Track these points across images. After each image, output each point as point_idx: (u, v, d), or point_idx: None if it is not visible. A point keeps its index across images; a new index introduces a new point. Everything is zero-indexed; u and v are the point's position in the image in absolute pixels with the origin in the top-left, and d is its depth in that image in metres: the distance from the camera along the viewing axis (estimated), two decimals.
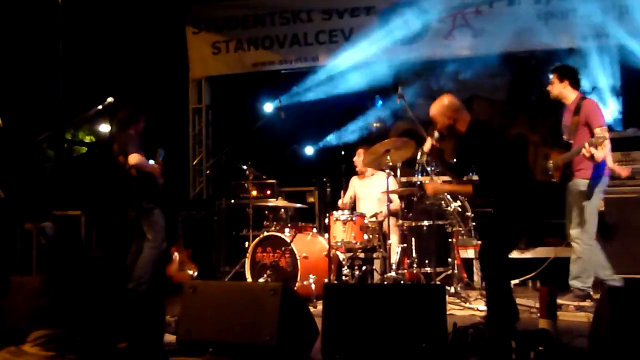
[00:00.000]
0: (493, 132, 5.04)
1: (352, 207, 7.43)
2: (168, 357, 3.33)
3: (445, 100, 5.02)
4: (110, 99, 5.82)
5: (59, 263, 1.78)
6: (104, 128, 11.74)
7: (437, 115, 5.00)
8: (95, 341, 1.74)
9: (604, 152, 5.49)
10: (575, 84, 5.89)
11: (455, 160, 5.52)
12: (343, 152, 7.91)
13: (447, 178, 6.43)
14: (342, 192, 7.68)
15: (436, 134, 5.10)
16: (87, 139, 12.13)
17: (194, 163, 9.60)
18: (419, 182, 6.83)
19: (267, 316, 3.91)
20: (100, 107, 5.83)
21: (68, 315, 1.72)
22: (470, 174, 5.54)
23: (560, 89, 5.90)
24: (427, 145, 5.19)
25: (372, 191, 7.44)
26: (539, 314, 4.84)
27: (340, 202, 7.50)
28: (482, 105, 9.69)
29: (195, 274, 7.48)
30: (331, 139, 9.37)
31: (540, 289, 4.55)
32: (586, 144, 5.36)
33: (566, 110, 5.93)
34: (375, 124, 9.47)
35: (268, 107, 8.97)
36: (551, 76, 5.96)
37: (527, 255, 7.16)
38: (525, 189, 4.76)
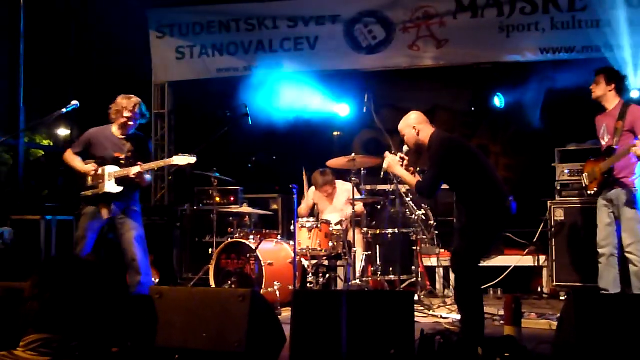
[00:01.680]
0: (454, 142, 5.12)
1: (314, 214, 7.45)
2: None
3: (412, 115, 5.16)
4: (74, 102, 5.70)
5: (50, 266, 1.74)
6: (63, 132, 11.54)
7: (404, 128, 5.12)
8: (91, 345, 1.70)
9: None
10: (620, 90, 5.84)
11: (421, 171, 5.61)
12: (306, 161, 7.94)
13: None
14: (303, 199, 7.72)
15: (405, 147, 5.19)
16: (45, 142, 11.92)
17: (156, 169, 9.48)
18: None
19: (236, 323, 3.87)
20: (64, 110, 5.70)
21: (62, 320, 1.68)
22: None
23: (606, 91, 5.80)
24: (397, 158, 5.26)
25: (335, 205, 7.47)
26: (502, 321, 4.92)
27: (299, 210, 7.52)
28: (444, 115, 9.80)
29: (157, 280, 7.39)
30: (295, 146, 9.36)
31: (505, 297, 4.62)
32: (637, 143, 5.30)
33: (607, 114, 5.83)
34: (336, 133, 9.52)
35: (224, 114, 8.92)
36: (598, 77, 5.85)
37: (489, 263, 7.25)
38: (492, 196, 4.82)
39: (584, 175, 6.05)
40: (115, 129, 5.89)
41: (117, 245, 5.81)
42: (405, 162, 5.21)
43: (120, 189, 5.72)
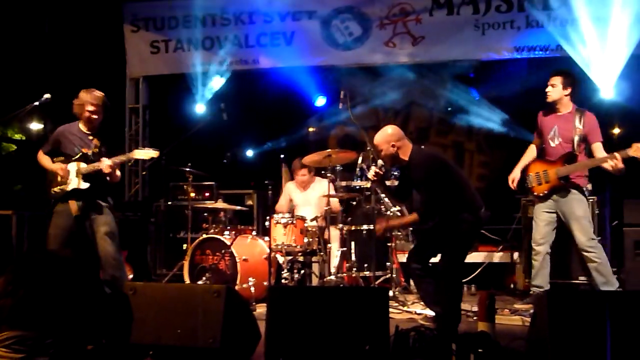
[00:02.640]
0: (438, 160, 5.17)
1: (291, 211, 7.44)
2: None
3: (389, 129, 5.20)
4: (47, 96, 5.63)
5: (23, 262, 1.71)
6: (35, 126, 11.39)
7: (381, 143, 5.15)
8: (66, 343, 1.67)
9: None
10: (574, 95, 5.84)
11: (396, 184, 5.71)
12: (282, 156, 7.93)
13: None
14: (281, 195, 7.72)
15: (380, 161, 5.23)
16: (17, 136, 11.73)
17: (130, 164, 9.40)
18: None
19: (210, 319, 3.86)
20: (37, 103, 5.62)
21: (36, 317, 1.65)
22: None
23: (561, 95, 5.79)
24: (371, 173, 5.31)
25: (309, 197, 7.47)
26: (476, 317, 4.95)
27: (277, 206, 7.53)
28: (420, 112, 9.86)
29: (131, 276, 7.32)
30: (271, 141, 9.35)
31: (479, 293, 4.65)
32: (618, 155, 5.38)
33: (559, 117, 5.84)
34: (311, 129, 9.52)
35: (200, 109, 8.89)
36: (554, 79, 5.82)
37: None
38: (466, 208, 4.94)
39: (530, 175, 5.96)
40: (81, 125, 5.83)
41: (91, 242, 5.74)
42: (379, 176, 5.26)
43: (87, 185, 5.67)
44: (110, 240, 5.68)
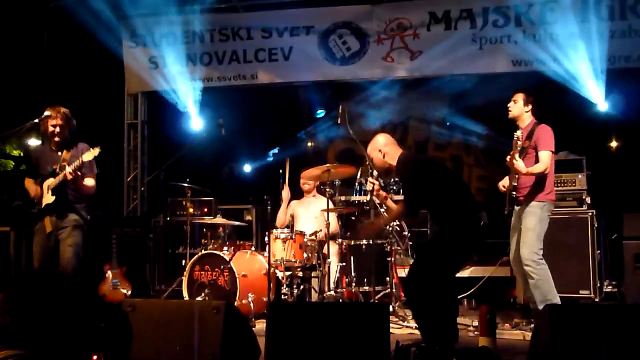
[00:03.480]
0: (420, 160, 5.17)
1: (290, 226, 7.43)
2: None
3: (378, 137, 5.25)
4: (47, 113, 5.65)
5: (21, 280, 1.70)
6: (34, 142, 11.39)
7: (371, 151, 5.23)
8: None
9: (537, 168, 5.55)
10: (535, 110, 5.85)
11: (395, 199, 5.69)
12: (281, 171, 7.92)
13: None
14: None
15: (375, 172, 5.23)
16: (15, 152, 11.73)
17: (129, 179, 9.40)
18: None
19: (210, 335, 3.85)
20: (36, 120, 5.64)
21: (34, 335, 1.64)
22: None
23: (522, 111, 5.82)
24: (369, 184, 5.31)
25: (310, 211, 7.46)
26: (477, 332, 4.93)
27: (277, 219, 7.51)
28: (418, 126, 9.87)
29: (129, 292, 7.30)
30: (270, 157, 9.35)
31: (480, 308, 4.63)
32: (516, 156, 5.42)
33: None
34: (310, 143, 9.53)
35: (197, 125, 8.90)
36: (516, 95, 5.86)
37: (462, 274, 7.27)
38: (462, 210, 4.86)
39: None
40: (51, 143, 5.89)
41: (85, 259, 5.77)
42: (376, 186, 5.26)
43: (54, 197, 5.72)
44: (73, 257, 5.69)
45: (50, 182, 5.73)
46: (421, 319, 4.80)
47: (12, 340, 1.68)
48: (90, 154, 5.63)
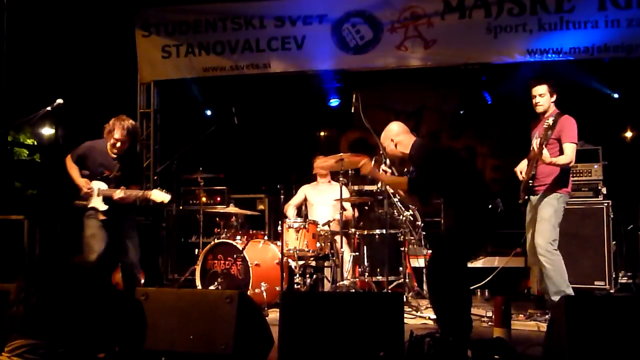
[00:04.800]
0: (433, 147, 5.12)
1: (301, 214, 7.43)
2: None
3: (391, 125, 5.18)
4: (59, 101, 5.64)
5: (36, 269, 1.68)
6: (47, 131, 11.42)
7: (384, 140, 5.17)
8: (78, 351, 1.65)
9: (561, 159, 5.49)
10: (557, 100, 5.76)
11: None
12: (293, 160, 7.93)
13: None
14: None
15: (388, 161, 5.19)
16: (29, 141, 11.78)
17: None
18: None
19: (223, 324, 3.83)
20: (49, 108, 5.63)
21: (48, 325, 1.63)
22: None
23: (550, 103, 5.72)
24: (372, 165, 5.29)
25: (326, 198, 7.44)
26: (491, 323, 4.90)
27: (285, 208, 7.49)
28: (432, 116, 9.82)
29: (142, 281, 7.30)
30: (282, 146, 9.35)
31: (495, 298, 4.60)
32: (544, 152, 5.31)
33: (541, 122, 5.71)
34: (323, 133, 9.51)
35: (212, 114, 8.91)
36: (539, 87, 5.72)
37: (476, 264, 7.24)
38: (477, 197, 4.82)
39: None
40: (109, 146, 5.91)
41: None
42: (389, 174, 5.22)
43: (106, 207, 5.81)
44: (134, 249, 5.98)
45: (102, 189, 5.81)
46: (441, 309, 4.79)
47: (27, 330, 1.67)
48: (158, 197, 5.78)
